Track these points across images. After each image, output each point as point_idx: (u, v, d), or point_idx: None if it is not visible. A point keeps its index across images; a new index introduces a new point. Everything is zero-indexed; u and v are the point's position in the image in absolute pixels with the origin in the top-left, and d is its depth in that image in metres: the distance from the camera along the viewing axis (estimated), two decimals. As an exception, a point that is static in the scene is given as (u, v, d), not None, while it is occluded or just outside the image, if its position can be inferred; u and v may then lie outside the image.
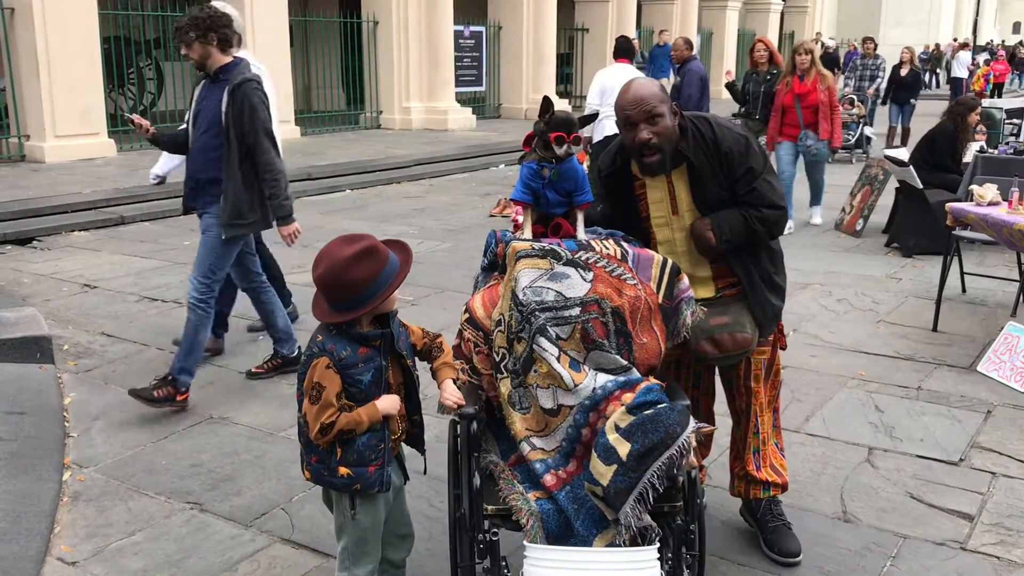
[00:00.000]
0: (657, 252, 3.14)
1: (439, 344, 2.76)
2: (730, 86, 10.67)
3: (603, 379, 2.66)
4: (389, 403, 2.56)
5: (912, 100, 15.17)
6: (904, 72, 15.04)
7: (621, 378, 2.66)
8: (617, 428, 2.50)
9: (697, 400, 3.42)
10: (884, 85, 15.40)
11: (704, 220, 3.06)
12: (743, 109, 10.10)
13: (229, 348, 5.53)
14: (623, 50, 9.01)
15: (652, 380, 2.66)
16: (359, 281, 2.45)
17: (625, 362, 2.69)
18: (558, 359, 2.66)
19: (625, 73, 8.63)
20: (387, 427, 2.58)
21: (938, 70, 35.45)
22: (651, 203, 3.13)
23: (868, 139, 14.39)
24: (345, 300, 2.48)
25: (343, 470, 2.53)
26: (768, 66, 9.80)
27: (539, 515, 2.54)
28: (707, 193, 3.04)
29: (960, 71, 25.36)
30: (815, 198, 9.56)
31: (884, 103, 15.51)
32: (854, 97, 14.53)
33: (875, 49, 15.93)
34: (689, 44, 10.58)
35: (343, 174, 12.31)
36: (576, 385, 2.64)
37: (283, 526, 3.54)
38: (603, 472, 2.47)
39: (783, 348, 3.40)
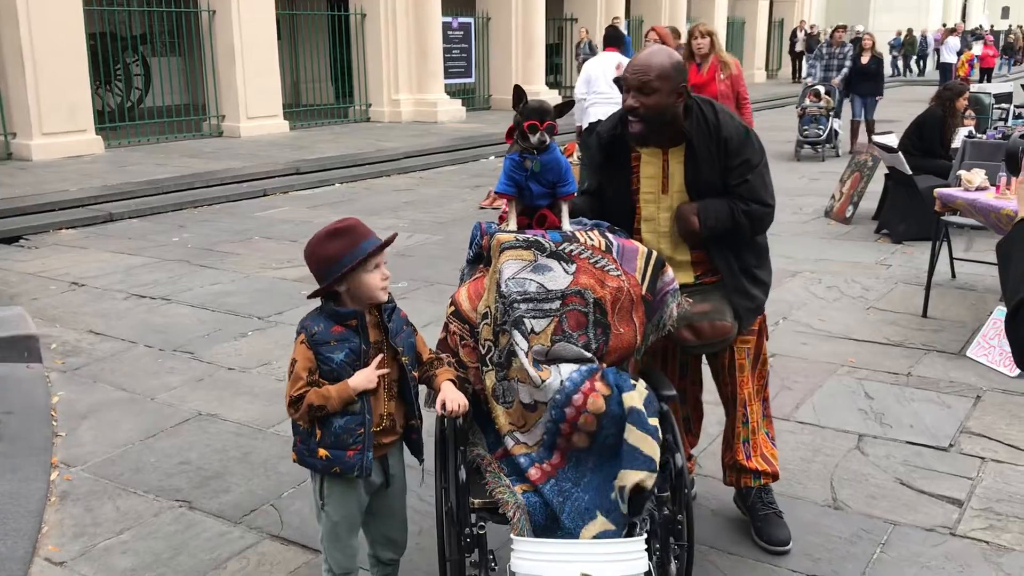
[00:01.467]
0: (641, 227, 3.14)
1: (443, 360, 2.77)
2: (619, 82, 9.50)
3: (567, 370, 2.66)
4: (363, 378, 2.52)
5: (876, 92, 13.60)
6: (865, 60, 13.49)
7: (584, 368, 2.66)
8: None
9: (684, 390, 3.42)
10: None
11: (691, 204, 3.05)
12: None
13: (217, 343, 5.51)
14: (612, 39, 9.04)
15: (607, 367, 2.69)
16: (326, 257, 2.52)
17: (588, 354, 2.69)
18: (526, 354, 2.67)
19: (612, 62, 8.66)
20: (367, 410, 2.55)
21: (913, 56, 35.32)
22: (643, 177, 3.13)
23: (835, 132, 13.54)
24: (319, 274, 2.55)
25: (322, 452, 2.54)
26: None
27: (525, 508, 2.53)
28: (700, 177, 3.03)
29: (949, 56, 25.42)
30: None
31: (846, 95, 13.82)
32: (821, 88, 13.34)
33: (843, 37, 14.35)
34: (676, 33, 10.53)
35: (332, 168, 12.27)
36: (543, 382, 2.64)
37: (272, 522, 3.53)
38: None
39: (766, 337, 3.40)
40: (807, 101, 13.34)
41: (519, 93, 2.95)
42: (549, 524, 2.54)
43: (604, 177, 3.20)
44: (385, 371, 2.58)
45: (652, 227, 3.14)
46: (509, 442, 2.68)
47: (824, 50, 14.05)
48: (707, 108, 3.04)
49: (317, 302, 2.64)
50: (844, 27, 15.00)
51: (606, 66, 8.65)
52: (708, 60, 7.41)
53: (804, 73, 14.58)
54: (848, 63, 13.54)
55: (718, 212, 3.01)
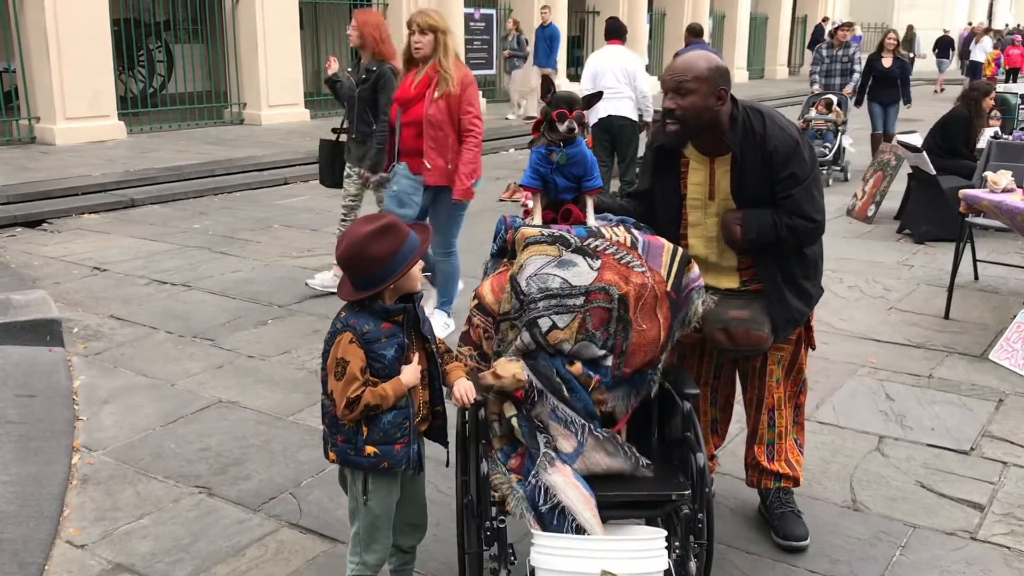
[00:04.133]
0: (688, 233, 3.15)
1: (452, 353, 2.80)
2: (331, 83, 6.58)
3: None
4: (411, 374, 2.56)
5: (900, 100, 11.63)
6: (887, 63, 11.47)
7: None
8: None
9: (716, 390, 3.41)
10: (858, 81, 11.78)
11: (735, 213, 3.03)
12: (343, 122, 6.51)
13: (238, 331, 5.53)
14: (614, 31, 8.98)
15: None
16: (378, 257, 2.49)
17: (601, 352, 2.69)
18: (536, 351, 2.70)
19: (614, 54, 8.61)
20: (411, 403, 2.59)
21: (919, 53, 34.83)
22: (690, 184, 3.12)
23: (843, 151, 11.20)
24: (366, 276, 2.52)
25: (370, 449, 2.54)
26: (375, 53, 6.02)
27: (523, 496, 2.53)
28: (746, 187, 3.01)
29: (979, 55, 25.26)
30: (443, 297, 5.61)
31: (858, 104, 11.82)
32: (832, 98, 11.25)
33: (849, 36, 12.25)
34: (698, 31, 10.48)
35: (352, 157, 12.27)
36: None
37: (291, 511, 3.54)
38: None
39: (812, 348, 3.37)
40: (813, 112, 11.32)
41: (547, 83, 2.94)
42: (547, 513, 2.52)
43: (655, 180, 3.20)
44: (424, 365, 2.62)
45: (699, 232, 3.14)
46: (491, 433, 2.73)
47: (824, 52, 11.99)
48: (755, 118, 2.99)
49: (331, 298, 2.64)
50: (849, 25, 12.82)
51: (612, 60, 8.58)
52: (426, 68, 5.11)
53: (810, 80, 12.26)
54: (857, 67, 11.66)
55: (761, 224, 2.98)
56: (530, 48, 16.71)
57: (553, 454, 2.58)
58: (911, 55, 30.39)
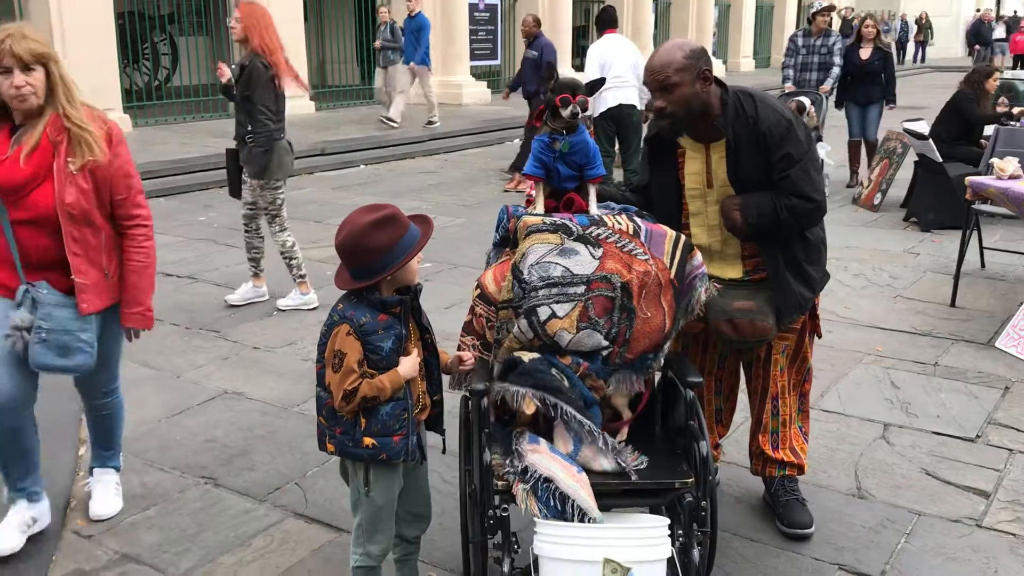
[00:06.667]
0: (690, 222, 3.15)
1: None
2: (226, 91, 6.03)
3: None
4: (410, 366, 2.55)
5: (881, 99, 9.75)
6: (865, 55, 9.64)
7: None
8: None
9: (721, 380, 3.40)
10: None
11: (734, 198, 3.02)
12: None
13: (243, 322, 5.54)
14: (610, 20, 8.98)
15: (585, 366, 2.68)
16: (378, 247, 2.47)
17: (605, 343, 2.68)
18: (531, 340, 2.70)
19: (618, 43, 8.61)
20: (410, 395, 2.58)
21: (931, 41, 34.59)
22: (687, 173, 3.11)
23: (821, 163, 9.61)
24: (364, 266, 2.50)
25: (368, 440, 2.53)
26: (257, 48, 5.66)
27: (530, 491, 2.53)
28: (742, 171, 2.99)
29: None
30: (110, 449, 3.64)
31: (839, 105, 10.03)
32: (805, 100, 9.00)
33: (830, 23, 10.07)
34: (537, 21, 10.42)
35: (357, 149, 12.28)
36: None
37: (296, 501, 3.55)
38: None
39: (818, 336, 3.36)
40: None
41: (550, 71, 2.93)
42: (533, 486, 2.52)
43: (652, 173, 3.19)
44: (422, 356, 2.62)
45: (700, 221, 3.13)
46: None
47: (800, 41, 9.99)
48: (746, 101, 2.97)
49: (334, 289, 2.64)
50: (829, 9, 10.34)
51: (619, 49, 8.56)
52: (41, 125, 3.01)
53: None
54: (838, 60, 9.71)
55: (761, 207, 2.96)
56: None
57: (522, 442, 2.58)
58: (925, 42, 30.32)
